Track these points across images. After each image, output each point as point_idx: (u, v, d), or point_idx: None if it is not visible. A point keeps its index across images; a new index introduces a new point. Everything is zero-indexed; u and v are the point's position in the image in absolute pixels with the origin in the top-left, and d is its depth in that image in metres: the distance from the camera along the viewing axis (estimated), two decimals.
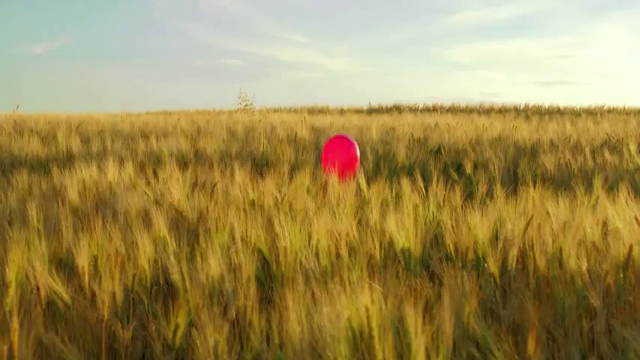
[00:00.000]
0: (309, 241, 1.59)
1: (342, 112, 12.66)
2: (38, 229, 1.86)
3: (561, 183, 3.56)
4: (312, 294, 1.51)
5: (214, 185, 2.27)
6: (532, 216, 1.57)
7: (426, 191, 2.78)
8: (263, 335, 1.15)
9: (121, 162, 3.87)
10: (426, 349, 0.96)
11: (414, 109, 13.23)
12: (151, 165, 3.71)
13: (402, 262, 1.58)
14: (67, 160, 4.06)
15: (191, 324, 1.34)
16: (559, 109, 13.34)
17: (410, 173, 4.01)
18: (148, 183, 2.56)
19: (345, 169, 4.14)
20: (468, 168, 3.59)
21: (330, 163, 4.45)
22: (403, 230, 1.57)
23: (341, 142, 4.58)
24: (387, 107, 13.54)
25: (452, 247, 1.61)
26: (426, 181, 3.93)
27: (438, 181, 3.34)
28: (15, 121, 7.51)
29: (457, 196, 2.10)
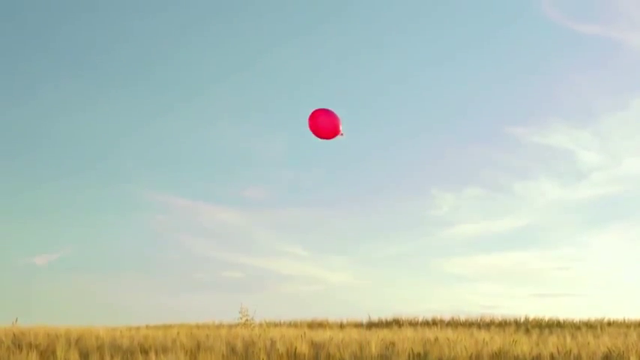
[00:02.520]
0: None
1: (341, 326, 12.65)
2: None
3: None
4: None
5: None
6: None
7: None
8: None
9: None
10: None
11: (413, 323, 13.22)
12: None
13: None
14: None
15: None
16: (559, 322, 13.32)
17: None
18: None
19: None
20: None
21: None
22: None
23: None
24: (386, 321, 13.54)
25: None
26: None
27: None
28: (14, 334, 7.53)
29: None
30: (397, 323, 13.28)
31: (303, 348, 5.62)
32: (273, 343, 6.31)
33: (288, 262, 18.31)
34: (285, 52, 18.85)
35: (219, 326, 11.53)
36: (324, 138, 7.09)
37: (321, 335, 7.63)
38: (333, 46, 18.58)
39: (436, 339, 7.32)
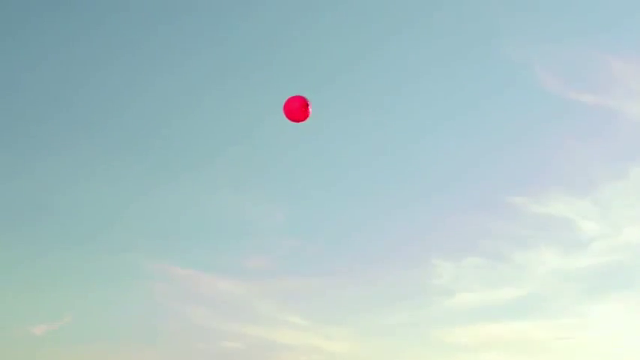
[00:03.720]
0: None
1: None
2: None
3: None
4: None
5: None
6: None
7: None
8: None
9: None
10: None
11: None
12: None
13: None
14: None
15: None
16: None
17: None
18: None
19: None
20: None
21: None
22: None
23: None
24: None
25: None
26: None
27: None
28: None
29: None
30: None
31: None
32: None
33: (288, 332, 18.22)
34: (282, 123, 18.98)
35: None
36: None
37: None
38: (331, 115, 18.76)
39: None
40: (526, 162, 18.85)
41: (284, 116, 9.21)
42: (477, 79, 19.13)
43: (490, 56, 19.11)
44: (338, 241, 18.65)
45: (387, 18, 19.52)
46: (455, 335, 18.12)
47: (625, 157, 18.58)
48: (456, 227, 18.55)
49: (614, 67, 18.59)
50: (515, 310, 18.25)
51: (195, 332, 17.71)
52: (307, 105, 8.80)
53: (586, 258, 18.48)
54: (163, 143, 18.74)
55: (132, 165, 18.48)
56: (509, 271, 18.59)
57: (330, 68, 19.30)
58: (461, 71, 19.17)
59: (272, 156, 18.93)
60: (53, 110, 18.53)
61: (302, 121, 9.33)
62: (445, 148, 18.88)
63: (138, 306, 17.89)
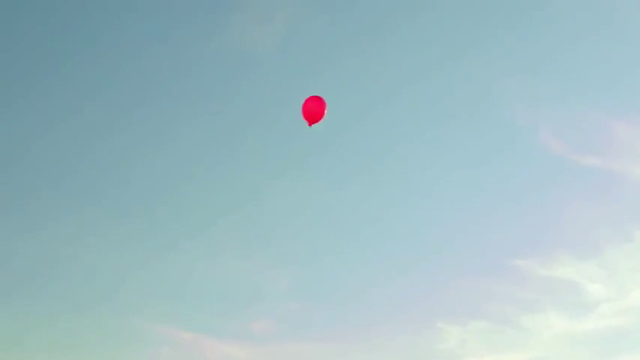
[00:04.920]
0: None
1: None
2: None
3: None
4: None
5: None
6: None
7: None
8: None
9: None
10: None
11: None
12: None
13: None
14: None
15: None
16: None
17: None
18: None
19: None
20: None
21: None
22: None
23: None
24: None
25: None
26: None
27: None
28: None
29: None
30: None
31: None
32: None
33: None
34: (285, 185, 19.17)
35: None
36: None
37: None
38: (335, 180, 18.92)
39: None
40: (531, 225, 18.86)
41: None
42: (480, 141, 19.30)
43: (494, 118, 19.28)
44: (343, 306, 18.62)
45: (389, 78, 19.76)
46: None
47: (630, 220, 18.58)
48: (461, 291, 18.50)
49: (617, 129, 18.71)
50: None
51: None
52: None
53: (592, 321, 18.35)
54: (168, 209, 18.91)
55: (137, 230, 18.62)
56: (516, 334, 18.46)
57: (331, 131, 19.47)
58: (465, 133, 19.34)
59: (277, 220, 19.03)
60: (61, 178, 18.78)
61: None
62: (449, 212, 18.95)
63: None
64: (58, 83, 19.33)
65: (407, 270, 18.62)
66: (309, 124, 11.64)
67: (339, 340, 18.40)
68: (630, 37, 19.18)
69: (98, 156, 18.97)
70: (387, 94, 19.93)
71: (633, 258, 18.45)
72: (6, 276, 17.76)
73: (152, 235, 18.76)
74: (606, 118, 18.64)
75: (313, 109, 11.52)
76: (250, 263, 18.84)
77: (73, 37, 19.64)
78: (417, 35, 19.88)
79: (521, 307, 18.54)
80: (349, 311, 18.71)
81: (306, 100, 11.78)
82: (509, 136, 19.15)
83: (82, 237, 18.39)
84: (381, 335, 18.37)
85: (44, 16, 19.58)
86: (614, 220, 18.71)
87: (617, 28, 19.38)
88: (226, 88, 19.95)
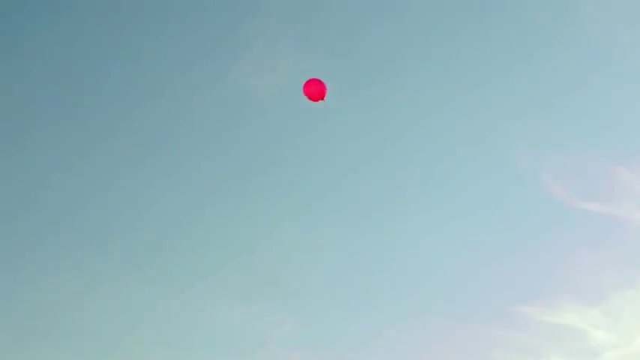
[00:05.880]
0: None
1: None
2: None
3: None
4: None
5: None
6: None
7: None
8: None
9: None
10: None
11: None
12: None
13: None
14: None
15: None
16: None
17: None
18: None
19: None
20: None
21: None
22: None
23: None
24: None
25: None
26: None
27: None
28: None
29: None
30: None
31: None
32: None
33: None
34: (291, 230, 19.23)
35: None
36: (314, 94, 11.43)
37: None
38: (338, 225, 18.97)
39: None
40: (534, 271, 18.79)
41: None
42: (481, 186, 19.28)
43: (493, 162, 19.31)
44: (349, 353, 18.57)
45: (389, 121, 19.88)
46: None
47: (635, 265, 18.51)
48: (464, 338, 18.43)
49: (619, 174, 18.69)
50: None
51: None
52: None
53: None
54: (170, 256, 19.00)
55: (139, 279, 18.72)
56: None
57: (335, 176, 19.61)
58: (465, 177, 19.35)
59: (280, 266, 19.07)
60: (63, 227, 18.87)
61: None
62: (451, 257, 18.92)
63: None
64: (62, 130, 19.58)
65: (409, 318, 18.58)
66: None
67: None
68: (632, 80, 19.20)
69: (100, 204, 19.13)
70: (389, 138, 20.04)
71: (637, 304, 18.36)
72: (7, 326, 17.87)
73: (153, 283, 18.85)
74: (608, 162, 18.67)
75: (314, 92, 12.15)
76: (253, 309, 18.88)
77: (76, 86, 19.90)
78: (413, 79, 20.09)
79: (525, 354, 18.44)
80: (353, 359, 18.68)
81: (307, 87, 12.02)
82: (510, 181, 19.18)
83: (83, 287, 18.49)
84: None
85: (47, 64, 19.88)
86: (617, 265, 18.65)
87: (618, 71, 19.44)
88: (230, 134, 20.13)
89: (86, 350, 18.20)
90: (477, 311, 18.56)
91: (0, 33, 19.51)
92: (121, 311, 18.59)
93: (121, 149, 19.52)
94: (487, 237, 19.09)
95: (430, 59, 20.08)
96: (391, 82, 19.89)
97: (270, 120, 19.75)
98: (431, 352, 18.44)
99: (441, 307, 18.69)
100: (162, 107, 20.25)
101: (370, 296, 18.98)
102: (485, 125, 19.12)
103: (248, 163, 19.58)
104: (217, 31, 20.34)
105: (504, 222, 18.97)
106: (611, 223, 18.62)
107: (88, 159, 19.08)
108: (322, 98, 12.25)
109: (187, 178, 19.51)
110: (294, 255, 18.98)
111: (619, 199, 18.56)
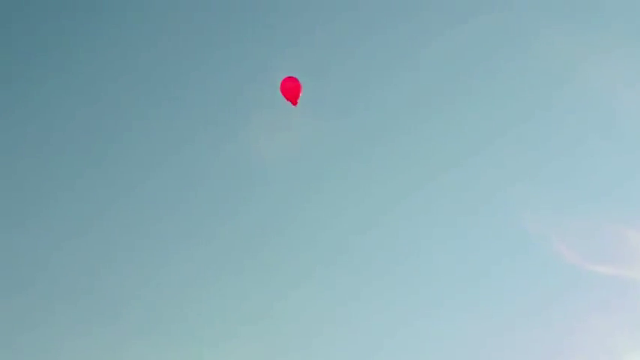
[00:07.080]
0: None
1: None
2: None
3: None
4: None
5: None
6: None
7: None
8: None
9: None
10: None
11: None
12: None
13: None
14: None
15: None
16: None
17: None
18: None
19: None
20: None
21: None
22: None
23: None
24: None
25: None
26: None
27: None
28: None
29: None
30: None
31: None
32: None
33: None
34: (302, 296, 19.14)
35: None
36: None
37: None
38: (347, 293, 18.87)
39: None
40: (545, 336, 18.56)
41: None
42: (491, 251, 19.21)
43: (502, 227, 19.24)
44: None
45: (395, 185, 19.93)
46: None
47: None
48: None
49: (630, 237, 18.59)
50: None
51: None
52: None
53: None
54: (181, 325, 18.83)
55: (150, 348, 18.52)
56: None
57: (342, 240, 19.60)
58: (474, 243, 19.29)
59: (293, 334, 18.89)
60: (71, 297, 18.77)
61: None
62: (460, 325, 18.67)
63: None
64: (68, 201, 19.63)
65: None
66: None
67: None
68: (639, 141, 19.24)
69: (105, 274, 19.09)
70: (395, 201, 20.03)
71: None
72: None
73: (163, 352, 18.69)
74: (618, 225, 18.59)
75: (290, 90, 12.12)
76: None
77: (81, 153, 20.01)
78: (417, 143, 20.21)
79: None
80: None
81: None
82: (520, 246, 19.09)
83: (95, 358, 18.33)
84: None
85: (46, 131, 20.05)
86: (630, 329, 18.44)
87: (623, 132, 19.50)
88: (237, 199, 20.15)
89: None
90: None
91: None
92: None
93: (125, 218, 19.55)
94: (494, 302, 18.87)
95: (433, 122, 20.25)
96: (395, 146, 20.02)
97: (278, 185, 19.81)
98: None
99: None
100: (167, 173, 20.36)
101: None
102: (495, 188, 19.13)
103: (258, 230, 19.57)
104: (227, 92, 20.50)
105: (513, 287, 18.82)
106: (622, 286, 18.46)
107: (93, 230, 19.11)
108: (296, 98, 12.87)
109: (193, 246, 19.49)
110: (306, 322, 18.82)
111: (630, 262, 18.45)
